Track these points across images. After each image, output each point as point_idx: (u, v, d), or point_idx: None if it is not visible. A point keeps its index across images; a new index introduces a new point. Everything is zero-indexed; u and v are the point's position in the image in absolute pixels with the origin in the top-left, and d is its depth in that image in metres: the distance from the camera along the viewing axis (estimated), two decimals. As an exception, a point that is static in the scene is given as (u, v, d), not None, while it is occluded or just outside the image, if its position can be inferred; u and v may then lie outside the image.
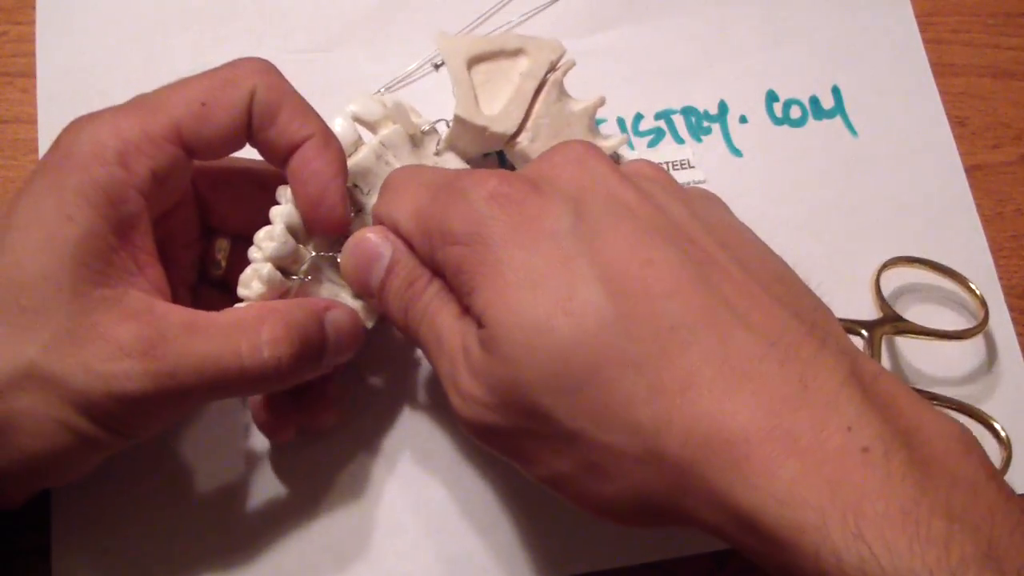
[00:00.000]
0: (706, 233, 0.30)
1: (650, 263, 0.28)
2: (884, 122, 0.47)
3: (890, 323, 0.41)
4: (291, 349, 0.32)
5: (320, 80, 0.45)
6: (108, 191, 0.31)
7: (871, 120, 0.47)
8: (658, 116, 0.47)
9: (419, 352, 0.41)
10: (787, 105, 0.47)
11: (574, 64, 0.42)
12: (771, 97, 0.47)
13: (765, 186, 0.45)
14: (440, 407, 0.41)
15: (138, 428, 0.32)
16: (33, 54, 0.45)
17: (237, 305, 0.34)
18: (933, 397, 0.40)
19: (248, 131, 0.34)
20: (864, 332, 0.40)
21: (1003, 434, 0.40)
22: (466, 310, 0.31)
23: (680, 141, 0.46)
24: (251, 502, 0.39)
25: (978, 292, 0.43)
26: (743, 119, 0.47)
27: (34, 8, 0.46)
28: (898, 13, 0.49)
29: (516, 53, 0.42)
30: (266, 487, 0.39)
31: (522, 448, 0.30)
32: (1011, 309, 0.45)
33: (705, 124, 0.47)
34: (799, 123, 0.47)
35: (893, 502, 0.24)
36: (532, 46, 0.42)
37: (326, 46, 0.47)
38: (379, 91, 0.46)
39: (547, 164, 0.32)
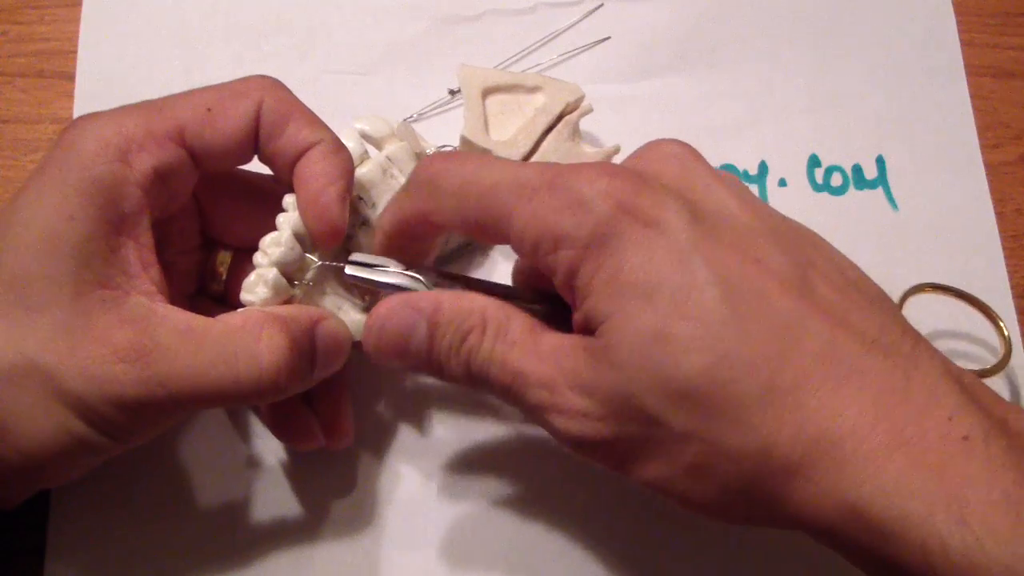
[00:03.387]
0: (800, 236, 0.31)
1: (760, 262, 0.28)
2: (926, 199, 0.46)
3: None
4: (290, 359, 0.32)
5: (356, 102, 0.45)
6: (110, 188, 0.31)
7: (913, 194, 0.46)
8: (695, 171, 0.45)
9: (428, 381, 0.41)
10: (829, 172, 0.46)
11: (591, 109, 0.42)
12: (813, 162, 0.46)
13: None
14: (451, 436, 0.40)
15: (132, 433, 0.32)
16: (34, 54, 0.46)
17: (237, 310, 0.34)
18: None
19: (255, 143, 0.34)
20: None
21: None
22: (549, 315, 0.31)
23: (714, 199, 0.45)
24: (249, 515, 0.39)
25: (1006, 332, 0.41)
26: (782, 182, 0.46)
27: (35, 8, 0.46)
28: (952, 88, 0.48)
29: (533, 90, 0.42)
30: (265, 501, 0.39)
31: (628, 455, 0.30)
32: (1018, 311, 0.44)
33: (743, 184, 0.46)
34: (839, 191, 0.46)
35: (995, 488, 0.24)
36: (551, 85, 0.42)
37: (367, 69, 0.46)
38: (406, 119, 0.45)
39: (647, 161, 0.32)
